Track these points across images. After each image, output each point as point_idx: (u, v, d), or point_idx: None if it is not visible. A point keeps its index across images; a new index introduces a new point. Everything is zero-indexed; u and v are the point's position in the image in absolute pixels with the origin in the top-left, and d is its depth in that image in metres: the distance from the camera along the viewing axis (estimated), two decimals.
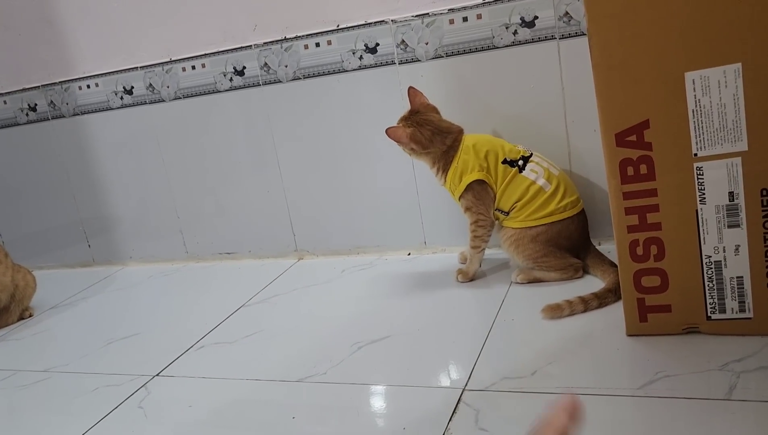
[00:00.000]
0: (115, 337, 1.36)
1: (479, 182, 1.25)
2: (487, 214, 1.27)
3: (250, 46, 1.52)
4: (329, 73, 1.48)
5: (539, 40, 1.30)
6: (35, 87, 1.78)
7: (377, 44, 1.42)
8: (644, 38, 0.87)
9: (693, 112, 0.88)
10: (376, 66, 1.43)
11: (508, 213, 1.26)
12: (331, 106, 1.49)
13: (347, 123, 1.49)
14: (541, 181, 1.23)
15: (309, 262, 1.60)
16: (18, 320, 1.55)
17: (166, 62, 1.61)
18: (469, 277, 1.32)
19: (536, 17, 1.29)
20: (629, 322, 0.99)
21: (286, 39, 1.49)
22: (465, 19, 1.34)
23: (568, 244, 1.25)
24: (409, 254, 1.53)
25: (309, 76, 1.49)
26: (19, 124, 1.83)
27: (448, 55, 1.37)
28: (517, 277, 1.26)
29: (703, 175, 0.90)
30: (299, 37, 1.48)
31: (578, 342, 1.01)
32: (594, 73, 0.91)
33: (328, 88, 1.48)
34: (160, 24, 1.59)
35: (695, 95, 0.87)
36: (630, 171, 0.93)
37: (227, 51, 1.54)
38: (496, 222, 1.30)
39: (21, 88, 1.80)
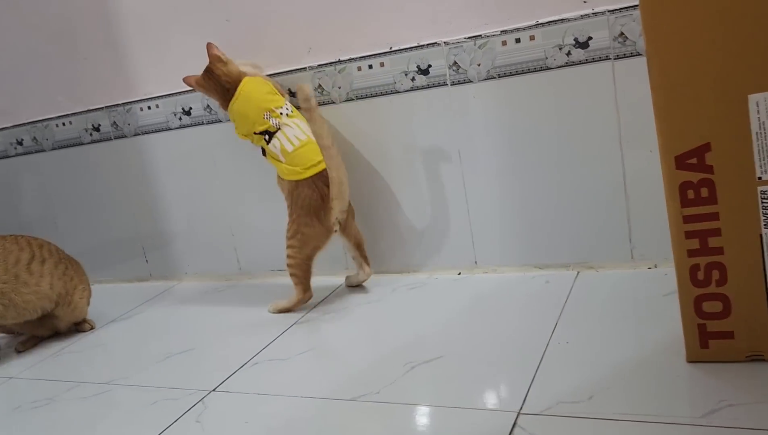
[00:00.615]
0: (173, 352, 1.39)
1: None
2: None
3: (305, 68, 1.56)
4: (382, 94, 1.50)
5: (593, 60, 1.29)
6: (99, 108, 1.86)
7: (429, 66, 1.44)
8: (705, 59, 0.86)
9: (757, 134, 0.86)
10: (428, 87, 1.45)
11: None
12: (384, 125, 1.51)
13: (399, 142, 1.51)
14: (288, 144, 1.43)
15: None
16: (78, 331, 1.61)
17: None
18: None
19: (590, 38, 1.28)
20: (690, 348, 0.97)
21: (339, 61, 1.52)
22: (518, 41, 1.34)
23: (306, 215, 1.44)
24: (460, 274, 1.53)
25: (362, 97, 1.52)
26: (83, 144, 1.92)
27: (500, 76, 1.38)
28: (269, 308, 1.52)
29: (767, 198, 0.87)
30: (353, 59, 1.50)
31: (636, 367, 0.99)
32: (653, 94, 0.90)
33: (380, 108, 1.51)
34: (218, 47, 1.64)
35: (759, 117, 0.85)
36: (690, 194, 0.91)
37: (282, 73, 1.58)
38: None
39: (86, 109, 1.88)
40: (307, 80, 1.56)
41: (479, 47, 1.38)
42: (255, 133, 1.46)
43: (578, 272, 1.40)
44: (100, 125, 1.87)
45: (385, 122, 1.51)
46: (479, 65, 1.39)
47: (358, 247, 1.53)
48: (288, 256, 1.47)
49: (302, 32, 1.54)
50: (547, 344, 1.11)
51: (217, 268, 1.84)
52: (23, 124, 1.98)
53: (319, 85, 1.56)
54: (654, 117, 0.91)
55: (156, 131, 1.80)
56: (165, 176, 1.83)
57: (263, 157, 1.50)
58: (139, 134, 1.82)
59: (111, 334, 1.58)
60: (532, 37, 1.33)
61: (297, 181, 1.43)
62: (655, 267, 1.33)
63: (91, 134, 1.89)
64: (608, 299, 1.25)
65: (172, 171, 1.82)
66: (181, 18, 1.66)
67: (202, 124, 1.73)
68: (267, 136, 1.45)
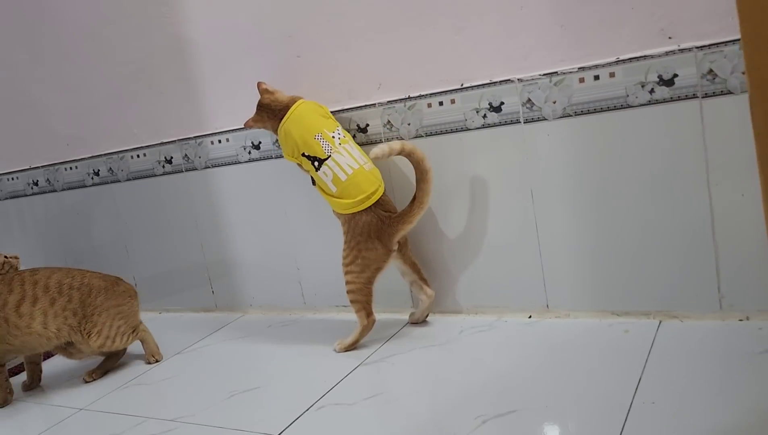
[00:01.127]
0: (238, 389, 1.39)
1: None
2: None
3: (374, 104, 1.55)
4: (452, 132, 1.47)
5: (679, 99, 1.23)
6: (172, 141, 1.90)
7: (502, 103, 1.40)
8: None
9: None
10: (500, 124, 1.41)
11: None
12: (454, 163, 1.48)
13: (469, 180, 1.47)
14: (341, 174, 1.43)
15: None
16: (147, 363, 1.63)
17: None
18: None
19: (676, 75, 1.22)
20: None
21: (409, 98, 1.50)
22: (596, 78, 1.29)
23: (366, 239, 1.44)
24: (530, 317, 1.47)
25: (431, 134, 1.49)
26: (155, 175, 1.96)
27: (576, 114, 1.33)
28: (335, 347, 1.48)
29: None
30: (423, 96, 1.48)
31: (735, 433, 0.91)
32: (756, 143, 0.83)
33: (450, 145, 1.47)
34: (285, 82, 1.65)
35: None
36: None
37: (351, 109, 1.58)
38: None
39: (159, 142, 1.93)
40: (377, 116, 1.55)
41: (555, 84, 1.33)
42: (303, 155, 1.46)
43: (660, 321, 1.32)
44: (172, 158, 1.91)
45: (455, 160, 1.47)
46: (554, 103, 1.34)
47: (415, 268, 1.50)
48: (348, 283, 1.45)
49: (372, 68, 1.54)
50: (631, 403, 1.04)
51: (282, 302, 1.83)
52: (101, 156, 2.05)
53: (388, 122, 1.54)
54: (758, 167, 0.84)
55: (226, 164, 1.82)
56: (233, 208, 1.85)
57: (313, 186, 1.50)
58: (209, 167, 1.85)
59: (178, 366, 1.59)
60: (612, 74, 1.27)
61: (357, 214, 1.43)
62: (747, 319, 1.24)
63: (163, 166, 1.94)
64: (696, 354, 1.16)
65: (240, 203, 1.84)
66: (252, 54, 1.69)
67: (271, 158, 1.74)
68: (317, 163, 1.44)
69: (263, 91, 1.54)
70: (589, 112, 1.31)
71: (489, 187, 1.46)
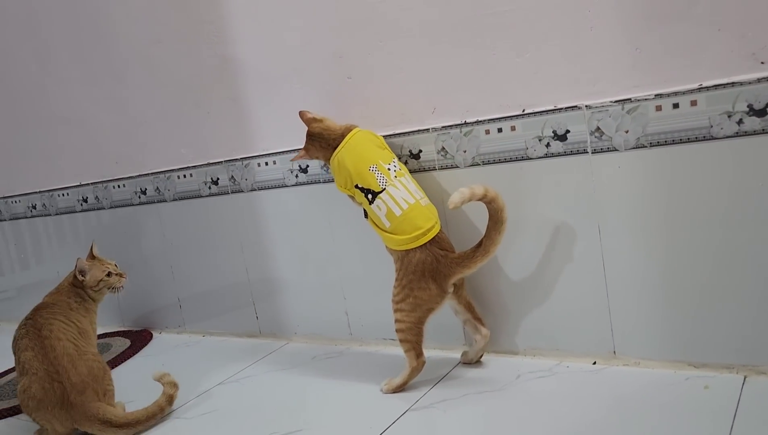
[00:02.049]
0: (279, 431, 1.31)
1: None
2: None
3: (428, 129, 1.46)
4: (511, 161, 1.37)
5: None
6: (219, 162, 1.85)
7: (567, 131, 1.29)
8: None
9: None
10: (565, 154, 1.30)
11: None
12: (513, 195, 1.37)
13: (529, 213, 1.36)
14: (396, 209, 1.35)
15: None
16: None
17: None
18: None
19: None
20: None
21: (465, 123, 1.41)
22: (676, 106, 1.17)
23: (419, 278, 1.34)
24: (595, 363, 1.35)
25: (489, 163, 1.40)
26: (201, 196, 1.92)
27: (652, 146, 1.21)
28: (382, 387, 1.40)
29: None
30: (480, 121, 1.39)
31: None
32: None
33: (509, 175, 1.37)
34: (334, 104, 1.58)
35: None
36: None
37: (404, 134, 1.49)
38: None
39: (206, 162, 1.88)
40: (430, 142, 1.46)
41: (628, 112, 1.22)
42: (357, 187, 1.38)
43: (745, 377, 1.18)
44: (218, 179, 1.87)
45: (515, 191, 1.37)
46: (627, 132, 1.22)
47: (470, 308, 1.41)
48: (397, 321, 1.36)
49: (427, 91, 1.45)
50: None
51: (327, 332, 1.76)
52: (148, 174, 2.03)
53: (443, 148, 1.45)
54: None
55: (272, 187, 1.76)
56: (279, 233, 1.79)
57: (365, 219, 1.42)
58: (256, 189, 1.80)
59: (219, 399, 1.53)
60: (693, 103, 1.15)
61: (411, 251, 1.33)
62: None
63: (209, 187, 1.90)
64: None
65: (286, 228, 1.77)
66: (301, 75, 1.62)
67: (318, 182, 1.67)
68: (370, 196, 1.36)
69: (310, 121, 1.47)
70: (666, 144, 1.19)
71: (551, 221, 1.35)
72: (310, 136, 1.46)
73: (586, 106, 1.26)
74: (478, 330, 1.41)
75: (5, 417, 1.65)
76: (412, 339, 1.35)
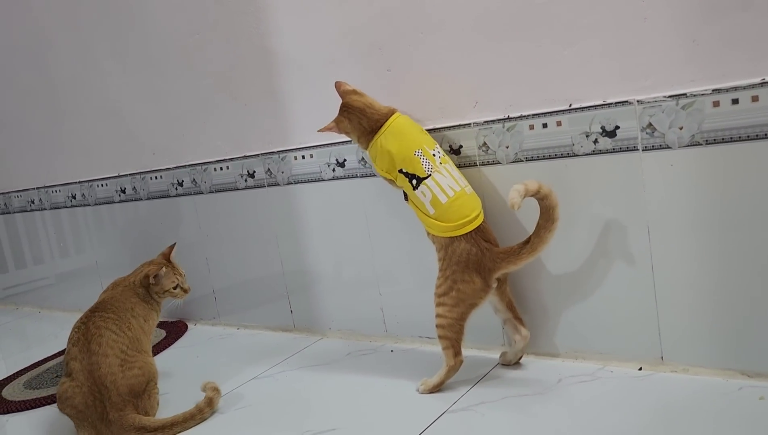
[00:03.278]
0: (312, 429, 1.29)
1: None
2: None
3: (469, 124, 1.42)
4: (556, 157, 1.32)
5: None
6: (255, 155, 1.84)
7: (617, 127, 1.23)
8: None
9: None
10: (613, 151, 1.25)
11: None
12: (558, 192, 1.32)
13: (575, 212, 1.32)
14: (440, 195, 1.31)
15: None
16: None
17: None
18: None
19: None
20: None
21: (509, 118, 1.36)
22: (735, 102, 1.11)
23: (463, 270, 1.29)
24: (641, 369, 1.30)
25: (532, 159, 1.35)
26: (237, 189, 1.91)
27: (708, 143, 1.15)
28: (419, 387, 1.36)
29: None
30: (524, 116, 1.34)
31: None
32: None
33: (554, 172, 1.32)
34: (376, 98, 1.54)
35: None
36: None
37: (444, 128, 1.46)
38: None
39: (242, 155, 1.87)
40: (471, 137, 1.42)
41: (683, 108, 1.16)
42: (401, 172, 1.34)
43: None
44: (255, 172, 1.86)
45: (560, 188, 1.31)
46: (681, 129, 1.17)
47: (511, 307, 1.37)
48: (438, 316, 1.33)
49: (468, 84, 1.41)
50: None
51: (362, 328, 1.74)
52: (185, 166, 2.03)
53: (484, 143, 1.41)
54: None
55: (309, 181, 1.74)
56: (314, 227, 1.77)
57: (405, 201, 1.38)
58: (292, 183, 1.78)
59: (253, 395, 1.52)
60: (754, 98, 1.09)
61: (453, 236, 1.30)
62: None
63: (245, 180, 1.89)
64: None
65: (322, 222, 1.75)
66: (339, 67, 1.59)
67: (356, 177, 1.64)
68: (414, 181, 1.32)
69: (349, 92, 1.39)
70: (723, 142, 1.13)
71: (597, 221, 1.30)
72: (347, 110, 1.39)
73: (637, 101, 1.20)
74: (518, 330, 1.37)
75: (44, 405, 1.67)
76: (452, 336, 1.32)
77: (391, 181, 1.39)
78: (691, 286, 1.22)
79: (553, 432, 1.14)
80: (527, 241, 1.26)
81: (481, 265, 1.29)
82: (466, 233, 1.30)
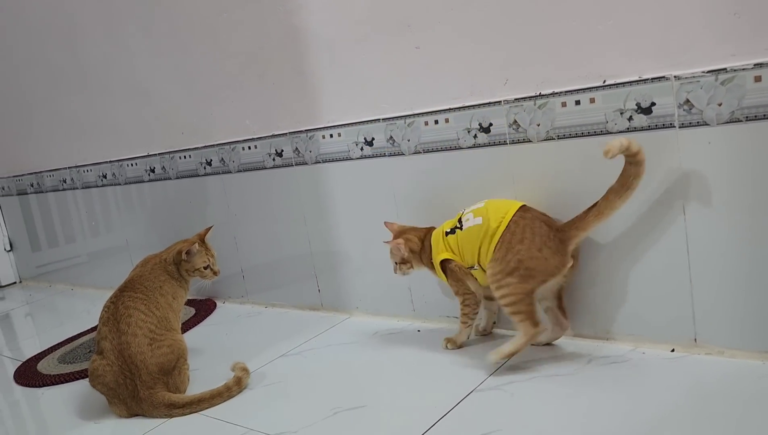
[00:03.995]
0: (342, 406, 1.30)
1: (448, 263, 1.42)
2: (469, 291, 1.43)
3: (499, 102, 1.40)
4: (589, 135, 1.29)
5: None
6: (283, 134, 1.84)
7: (653, 104, 1.20)
8: None
9: None
10: (649, 129, 1.22)
11: (479, 266, 1.36)
12: (590, 170, 1.31)
13: (596, 188, 1.29)
14: (474, 221, 1.34)
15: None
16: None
17: (409, 115, 1.55)
18: (458, 345, 1.47)
19: None
20: None
21: (540, 95, 1.34)
22: None
23: (529, 247, 1.27)
24: (673, 351, 1.28)
25: (564, 137, 1.33)
26: (265, 168, 1.92)
27: (748, 120, 1.11)
28: (490, 356, 1.31)
29: None
30: (556, 93, 1.31)
31: None
32: None
33: (586, 150, 1.30)
34: (405, 76, 1.53)
35: None
36: None
37: (473, 106, 1.44)
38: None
39: (270, 134, 1.87)
40: (502, 115, 1.40)
41: (722, 83, 1.12)
42: (446, 234, 1.42)
43: None
44: (282, 151, 1.86)
45: (591, 167, 1.30)
46: (720, 105, 1.13)
47: (559, 296, 1.36)
48: (505, 296, 1.28)
49: (499, 62, 1.38)
50: None
51: (390, 308, 1.74)
52: (213, 146, 2.04)
53: (515, 121, 1.38)
54: None
55: (336, 160, 1.74)
56: (342, 206, 1.77)
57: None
58: (320, 162, 1.78)
59: (282, 371, 1.53)
60: None
61: (507, 228, 1.31)
62: None
63: (273, 159, 1.89)
64: None
65: (350, 201, 1.75)
66: (368, 44, 1.58)
67: (384, 156, 1.63)
68: (459, 224, 1.39)
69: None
70: (764, 118, 1.10)
71: (631, 200, 1.26)
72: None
73: (674, 76, 1.17)
74: (559, 322, 1.36)
75: (77, 379, 1.71)
76: (525, 309, 1.27)
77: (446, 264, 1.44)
78: (726, 268, 1.19)
79: (582, 412, 1.13)
80: (594, 207, 1.23)
81: (550, 238, 1.27)
82: (520, 215, 1.30)
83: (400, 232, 1.52)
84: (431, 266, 1.47)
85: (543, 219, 1.31)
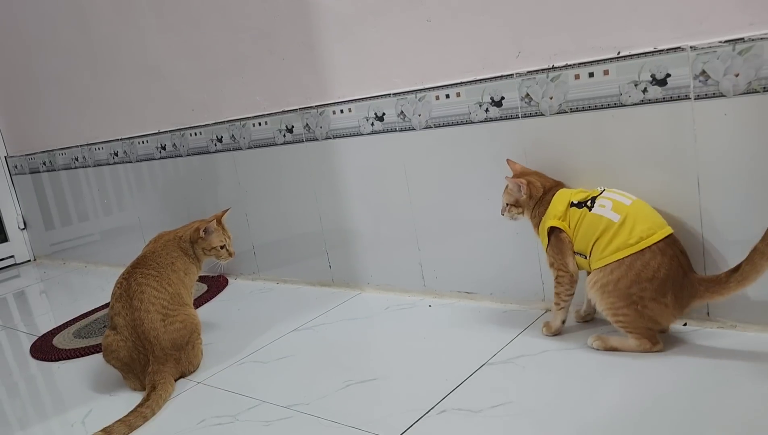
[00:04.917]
0: (354, 379, 1.31)
1: (557, 231, 1.27)
2: (566, 269, 1.28)
3: (512, 75, 1.38)
4: (603, 108, 1.28)
5: None
6: (293, 110, 1.83)
7: (668, 75, 1.19)
8: None
9: None
10: (663, 101, 1.20)
11: (587, 256, 1.23)
12: (604, 144, 1.29)
13: (621, 163, 1.28)
14: (609, 214, 1.19)
15: None
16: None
17: (420, 90, 1.54)
18: (552, 331, 1.33)
19: None
20: None
21: (553, 68, 1.32)
22: None
23: (657, 288, 1.14)
24: (685, 325, 1.28)
25: (577, 110, 1.31)
26: (276, 144, 1.92)
27: (766, 90, 1.09)
28: (594, 343, 1.24)
29: None
30: (569, 66, 1.30)
31: None
32: None
33: (600, 123, 1.29)
34: (416, 50, 1.52)
35: None
36: None
37: (485, 80, 1.42)
38: (580, 271, 1.28)
39: (281, 110, 1.87)
40: (514, 88, 1.38)
41: (739, 53, 1.11)
42: (572, 205, 1.26)
43: None
44: (293, 127, 1.85)
45: (605, 140, 1.29)
46: (737, 76, 1.12)
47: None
48: (619, 322, 1.20)
49: (511, 34, 1.37)
50: None
51: (401, 283, 1.74)
52: (224, 122, 2.03)
53: (527, 95, 1.37)
54: None
55: (347, 136, 1.73)
56: (353, 182, 1.77)
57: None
58: (331, 138, 1.77)
59: (294, 345, 1.55)
60: None
61: (641, 252, 1.16)
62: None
63: (284, 135, 1.88)
64: None
65: (361, 177, 1.75)
66: (378, 18, 1.56)
67: (395, 131, 1.63)
68: (590, 202, 1.23)
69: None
70: None
71: (645, 173, 1.26)
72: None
73: (690, 47, 1.15)
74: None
75: (92, 354, 1.73)
76: (643, 333, 1.19)
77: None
78: (742, 243, 1.18)
79: (590, 385, 1.13)
80: (737, 268, 1.09)
81: (679, 288, 1.15)
82: (663, 247, 1.15)
83: (523, 174, 1.35)
84: (537, 222, 1.32)
85: (682, 260, 1.17)
